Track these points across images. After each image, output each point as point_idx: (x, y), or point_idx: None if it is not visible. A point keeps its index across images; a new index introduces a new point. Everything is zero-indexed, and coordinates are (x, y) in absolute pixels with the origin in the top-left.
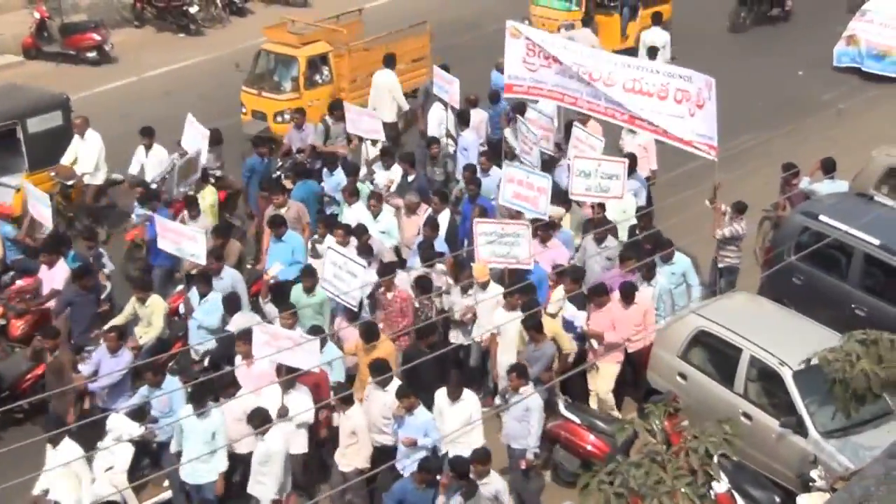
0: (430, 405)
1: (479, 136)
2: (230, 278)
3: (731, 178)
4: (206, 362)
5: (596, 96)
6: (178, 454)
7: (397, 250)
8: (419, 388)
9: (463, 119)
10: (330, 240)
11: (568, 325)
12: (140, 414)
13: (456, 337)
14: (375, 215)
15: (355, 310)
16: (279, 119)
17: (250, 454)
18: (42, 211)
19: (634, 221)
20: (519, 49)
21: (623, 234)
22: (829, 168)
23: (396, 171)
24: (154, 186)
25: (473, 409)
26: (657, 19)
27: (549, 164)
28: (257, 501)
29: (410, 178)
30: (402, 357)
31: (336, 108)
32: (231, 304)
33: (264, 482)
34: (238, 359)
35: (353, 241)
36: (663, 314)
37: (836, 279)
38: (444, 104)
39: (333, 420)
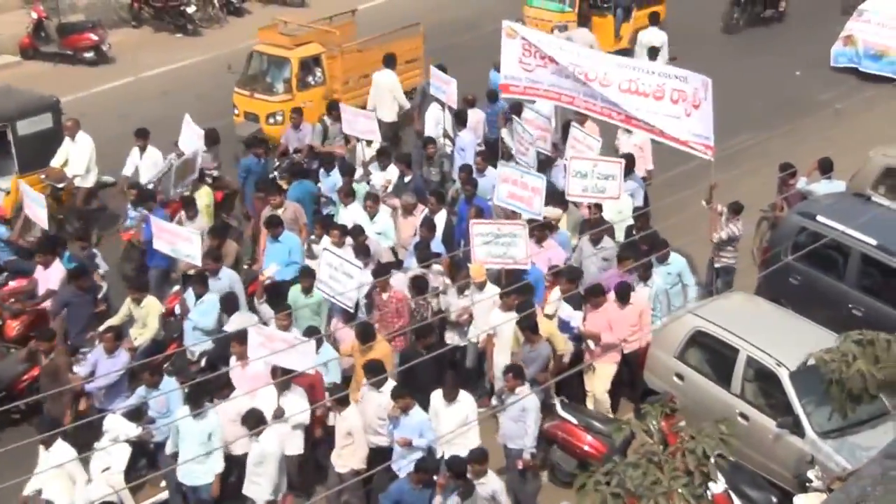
0: (427, 406)
1: (476, 137)
2: (228, 279)
3: (728, 178)
4: (202, 363)
5: (592, 96)
6: (175, 455)
7: (394, 251)
8: (416, 389)
9: (460, 119)
10: (326, 241)
11: (564, 326)
12: (137, 414)
13: (452, 338)
14: (372, 216)
15: (351, 311)
16: (271, 121)
17: (245, 456)
18: (38, 212)
19: (631, 222)
20: (515, 49)
21: (620, 235)
22: (826, 168)
23: (393, 171)
24: (151, 187)
25: (469, 410)
26: (654, 19)
27: (545, 165)
28: (253, 502)
29: (407, 179)
30: (399, 358)
31: (334, 109)
32: (229, 304)
33: (259, 483)
34: (233, 360)
35: (349, 241)
36: (660, 314)
37: (833, 279)
38: (442, 104)
39: (328, 420)
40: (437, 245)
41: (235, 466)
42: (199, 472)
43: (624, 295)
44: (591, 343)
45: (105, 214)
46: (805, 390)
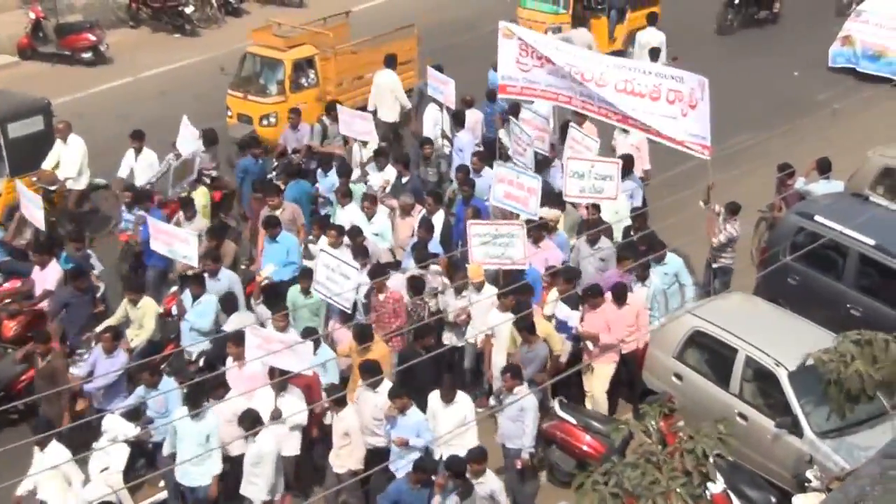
0: (425, 407)
1: (474, 137)
2: (227, 279)
3: (726, 178)
4: (201, 363)
5: (589, 96)
6: (172, 456)
7: (392, 252)
8: (415, 390)
9: (458, 120)
10: (324, 241)
11: (562, 326)
12: (135, 414)
13: (450, 339)
14: (370, 217)
15: (349, 312)
16: (265, 122)
17: (242, 456)
18: (34, 213)
19: (628, 222)
20: (512, 49)
21: (617, 236)
22: (824, 168)
23: (391, 172)
24: (148, 187)
25: (467, 411)
26: (652, 20)
27: (542, 165)
28: (250, 502)
29: (405, 180)
30: (397, 358)
31: (333, 109)
32: (228, 304)
33: (256, 483)
34: (230, 360)
35: (346, 242)
36: (657, 315)
37: (831, 279)
38: (440, 105)
39: (325, 419)
40: (434, 246)
41: (232, 467)
42: (197, 473)
43: (620, 295)
44: (589, 343)
45: (97, 217)
46: (803, 390)
